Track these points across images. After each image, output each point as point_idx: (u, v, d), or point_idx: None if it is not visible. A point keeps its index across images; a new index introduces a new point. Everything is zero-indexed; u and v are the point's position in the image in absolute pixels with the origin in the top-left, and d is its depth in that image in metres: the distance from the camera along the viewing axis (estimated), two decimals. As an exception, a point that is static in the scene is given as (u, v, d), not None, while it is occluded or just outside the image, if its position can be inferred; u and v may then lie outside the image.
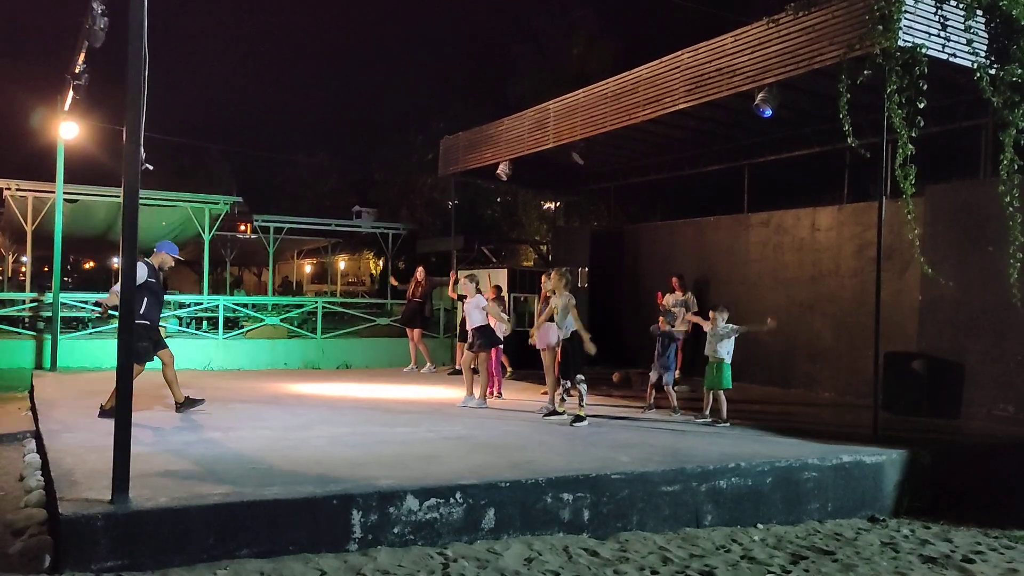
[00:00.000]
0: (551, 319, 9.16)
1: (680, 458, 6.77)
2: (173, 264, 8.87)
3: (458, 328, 13.17)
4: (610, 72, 12.89)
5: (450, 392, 11.07)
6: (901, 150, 7.90)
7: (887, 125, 7.91)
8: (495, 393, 10.74)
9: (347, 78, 42.85)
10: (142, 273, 8.23)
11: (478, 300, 10.11)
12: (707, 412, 9.02)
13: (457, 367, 13.14)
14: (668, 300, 12.34)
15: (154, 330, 8.51)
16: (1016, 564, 5.73)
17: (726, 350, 8.95)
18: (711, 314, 9.25)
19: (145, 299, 8.22)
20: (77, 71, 11.21)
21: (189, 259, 28.78)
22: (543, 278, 9.10)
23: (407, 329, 14.59)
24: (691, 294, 12.99)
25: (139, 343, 7.87)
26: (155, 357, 8.43)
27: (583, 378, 8.77)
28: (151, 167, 5.47)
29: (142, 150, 5.24)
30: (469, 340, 10.13)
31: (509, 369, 13.32)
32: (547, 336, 9.58)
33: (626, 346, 14.38)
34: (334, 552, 5.13)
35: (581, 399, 8.70)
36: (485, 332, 9.94)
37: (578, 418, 8.60)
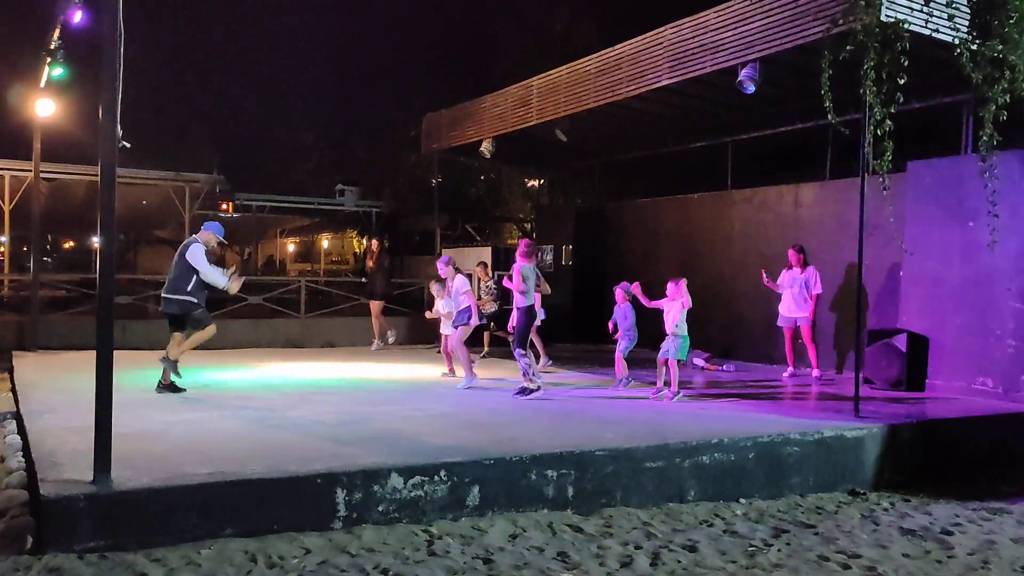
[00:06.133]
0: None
1: (664, 434, 6.80)
2: (216, 245, 9.13)
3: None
4: (594, 48, 12.81)
5: (435, 370, 11.07)
6: (876, 127, 7.90)
7: (867, 101, 7.91)
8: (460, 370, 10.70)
9: (327, 54, 42.32)
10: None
11: (461, 283, 10.03)
12: (660, 381, 9.10)
13: (488, 349, 13.08)
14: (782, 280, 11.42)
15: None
16: (994, 536, 5.82)
17: (666, 322, 9.01)
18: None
19: (193, 277, 8.65)
20: (52, 46, 11.00)
21: (170, 238, 28.62)
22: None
23: (370, 302, 14.47)
24: (812, 269, 11.11)
25: (196, 311, 8.75)
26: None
27: (524, 352, 8.81)
28: (128, 144, 5.39)
29: (119, 127, 5.16)
30: (453, 320, 10.06)
31: (487, 348, 13.23)
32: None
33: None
34: (319, 531, 5.13)
35: (526, 372, 8.78)
36: (466, 311, 9.93)
37: (524, 390, 8.70)
